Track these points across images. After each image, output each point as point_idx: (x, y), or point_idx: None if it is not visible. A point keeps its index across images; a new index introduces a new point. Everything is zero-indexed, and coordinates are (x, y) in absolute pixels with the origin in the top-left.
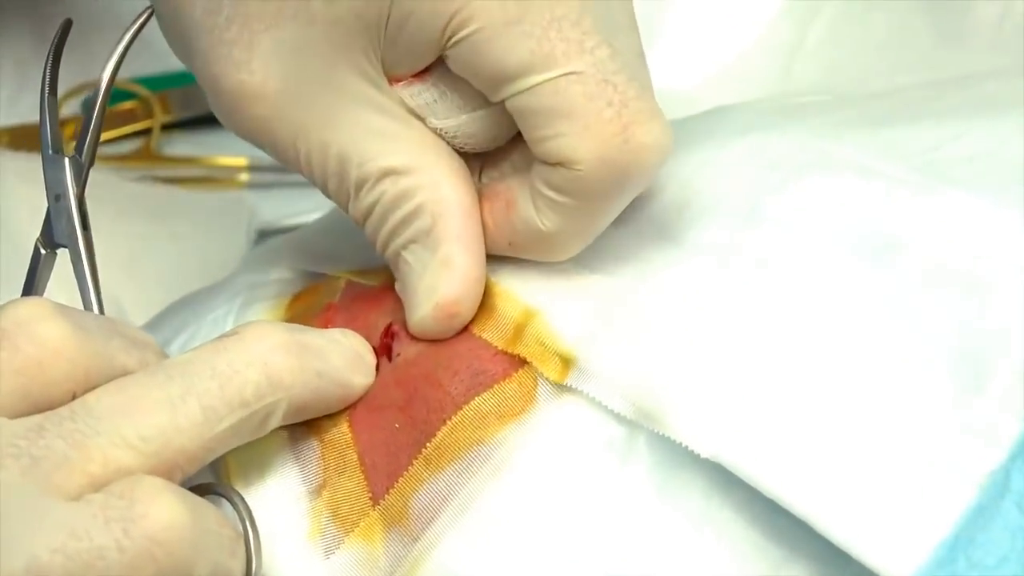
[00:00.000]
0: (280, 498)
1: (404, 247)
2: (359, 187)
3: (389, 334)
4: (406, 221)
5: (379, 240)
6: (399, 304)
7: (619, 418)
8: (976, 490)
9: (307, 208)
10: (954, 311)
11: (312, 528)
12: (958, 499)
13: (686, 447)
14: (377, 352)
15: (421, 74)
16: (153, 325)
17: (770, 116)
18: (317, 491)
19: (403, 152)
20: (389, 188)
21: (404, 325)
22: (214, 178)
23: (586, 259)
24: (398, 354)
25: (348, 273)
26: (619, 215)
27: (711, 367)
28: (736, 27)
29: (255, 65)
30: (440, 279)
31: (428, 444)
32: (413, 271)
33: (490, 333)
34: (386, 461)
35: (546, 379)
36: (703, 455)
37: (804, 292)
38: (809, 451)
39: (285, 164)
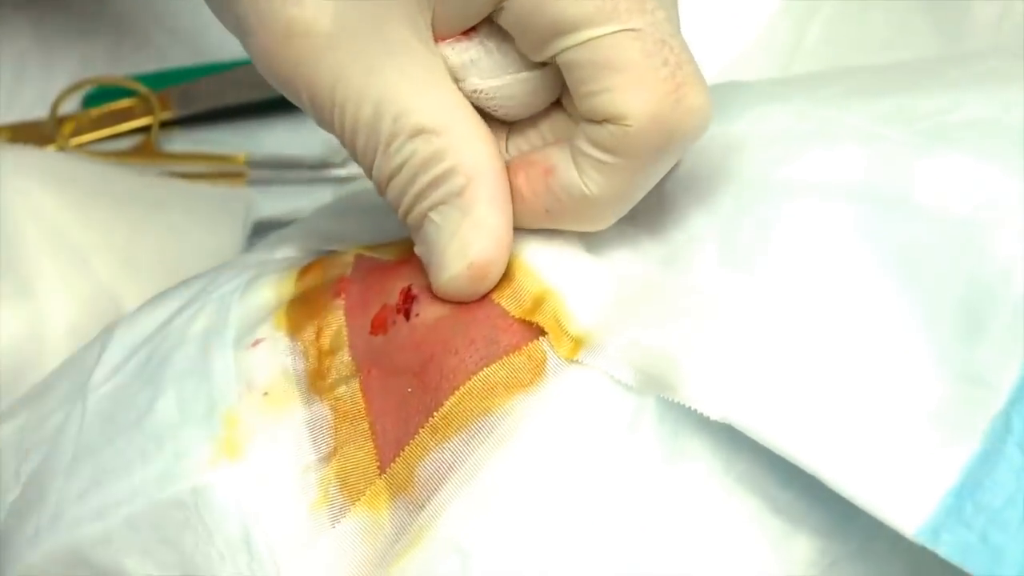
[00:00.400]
0: (290, 468)
1: (432, 208)
2: (389, 143)
3: (409, 298)
4: (436, 183)
5: (404, 201)
6: (417, 272)
7: (627, 391)
8: (980, 436)
9: (305, 205)
10: (956, 260)
11: (319, 498)
12: (963, 447)
13: (696, 412)
14: (395, 310)
15: (468, 31)
16: (155, 302)
17: (774, 88)
18: (327, 459)
19: (438, 112)
20: (421, 147)
21: (424, 289)
22: (213, 174)
23: (599, 247)
24: (417, 314)
25: (358, 248)
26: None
27: (719, 333)
28: (736, 27)
29: (308, 0)
30: (473, 240)
31: (435, 413)
32: (442, 232)
33: (508, 301)
34: (395, 427)
35: (556, 353)
36: (713, 417)
37: (808, 256)
38: (816, 407)
39: (315, 114)
